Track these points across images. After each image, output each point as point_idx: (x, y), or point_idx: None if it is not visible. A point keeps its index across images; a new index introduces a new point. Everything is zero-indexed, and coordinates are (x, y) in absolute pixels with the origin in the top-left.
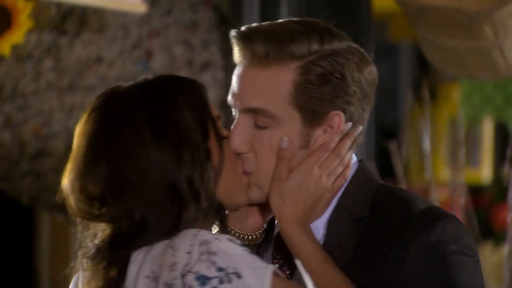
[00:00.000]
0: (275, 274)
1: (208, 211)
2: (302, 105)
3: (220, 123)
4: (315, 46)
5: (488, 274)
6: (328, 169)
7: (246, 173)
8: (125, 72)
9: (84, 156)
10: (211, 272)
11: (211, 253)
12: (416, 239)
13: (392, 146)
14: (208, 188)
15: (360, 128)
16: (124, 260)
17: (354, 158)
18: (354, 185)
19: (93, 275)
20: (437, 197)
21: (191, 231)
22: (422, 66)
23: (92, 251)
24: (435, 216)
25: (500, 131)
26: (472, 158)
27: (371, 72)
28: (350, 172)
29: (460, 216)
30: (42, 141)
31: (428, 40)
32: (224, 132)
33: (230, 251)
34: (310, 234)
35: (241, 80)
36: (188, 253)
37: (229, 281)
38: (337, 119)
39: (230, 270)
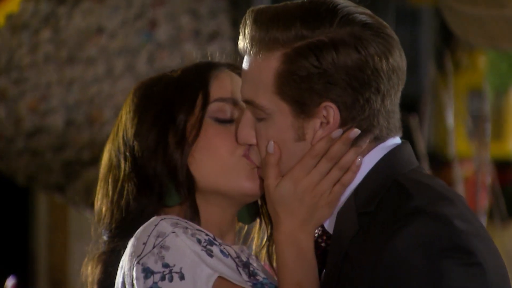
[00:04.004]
0: (221, 281)
1: (179, 188)
2: (288, 96)
3: (220, 106)
4: (303, 32)
5: None
6: (321, 175)
7: (251, 161)
8: (128, 43)
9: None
10: (157, 267)
11: (163, 247)
12: (388, 242)
13: (413, 120)
14: (173, 162)
15: (356, 131)
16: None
17: (387, 143)
18: (370, 178)
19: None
20: (461, 174)
21: (155, 220)
22: (445, 33)
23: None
24: (414, 215)
25: None
26: (498, 131)
27: (379, 59)
28: (357, 175)
29: (485, 194)
30: (39, 117)
31: (451, 8)
32: (225, 116)
33: (183, 248)
34: (299, 251)
35: (241, 69)
36: (144, 243)
37: (170, 279)
38: (331, 112)
39: (176, 269)
